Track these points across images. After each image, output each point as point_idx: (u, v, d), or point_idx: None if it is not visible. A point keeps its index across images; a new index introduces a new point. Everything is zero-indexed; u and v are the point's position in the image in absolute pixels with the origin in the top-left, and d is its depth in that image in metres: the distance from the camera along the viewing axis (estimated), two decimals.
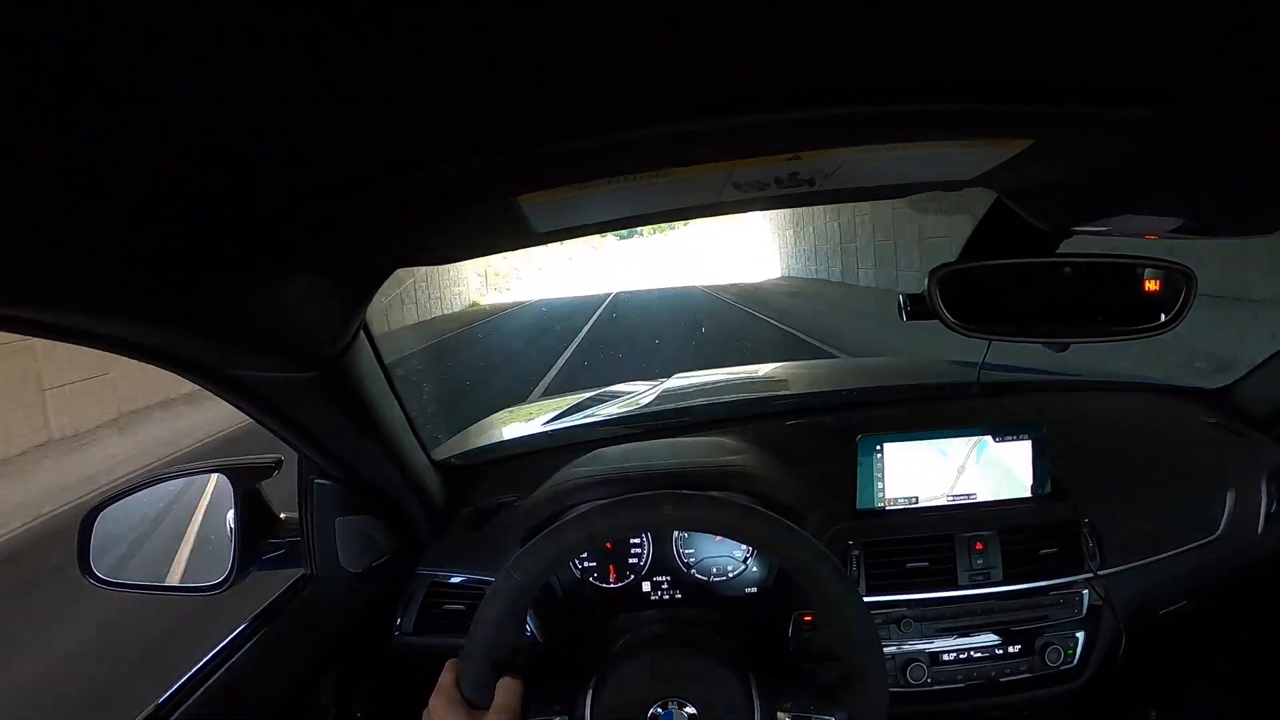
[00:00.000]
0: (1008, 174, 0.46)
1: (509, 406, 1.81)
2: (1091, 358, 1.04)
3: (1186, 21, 0.28)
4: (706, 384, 1.67)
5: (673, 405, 1.35)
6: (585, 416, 1.39)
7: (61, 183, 0.29)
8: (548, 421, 1.40)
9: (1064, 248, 0.77)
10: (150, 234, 0.35)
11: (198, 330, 0.48)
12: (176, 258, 0.38)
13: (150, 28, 0.20)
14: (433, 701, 0.64)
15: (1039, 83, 0.32)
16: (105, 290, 0.38)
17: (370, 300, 0.65)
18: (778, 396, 1.37)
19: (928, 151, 0.39)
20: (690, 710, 0.65)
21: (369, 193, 0.34)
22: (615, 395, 1.58)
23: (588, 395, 1.65)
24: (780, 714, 0.65)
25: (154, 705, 0.69)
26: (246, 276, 0.44)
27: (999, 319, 0.78)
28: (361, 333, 0.72)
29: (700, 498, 0.66)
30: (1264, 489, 1.06)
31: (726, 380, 1.76)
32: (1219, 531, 1.02)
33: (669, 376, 1.67)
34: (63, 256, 0.34)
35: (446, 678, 0.65)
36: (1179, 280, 0.76)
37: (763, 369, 1.84)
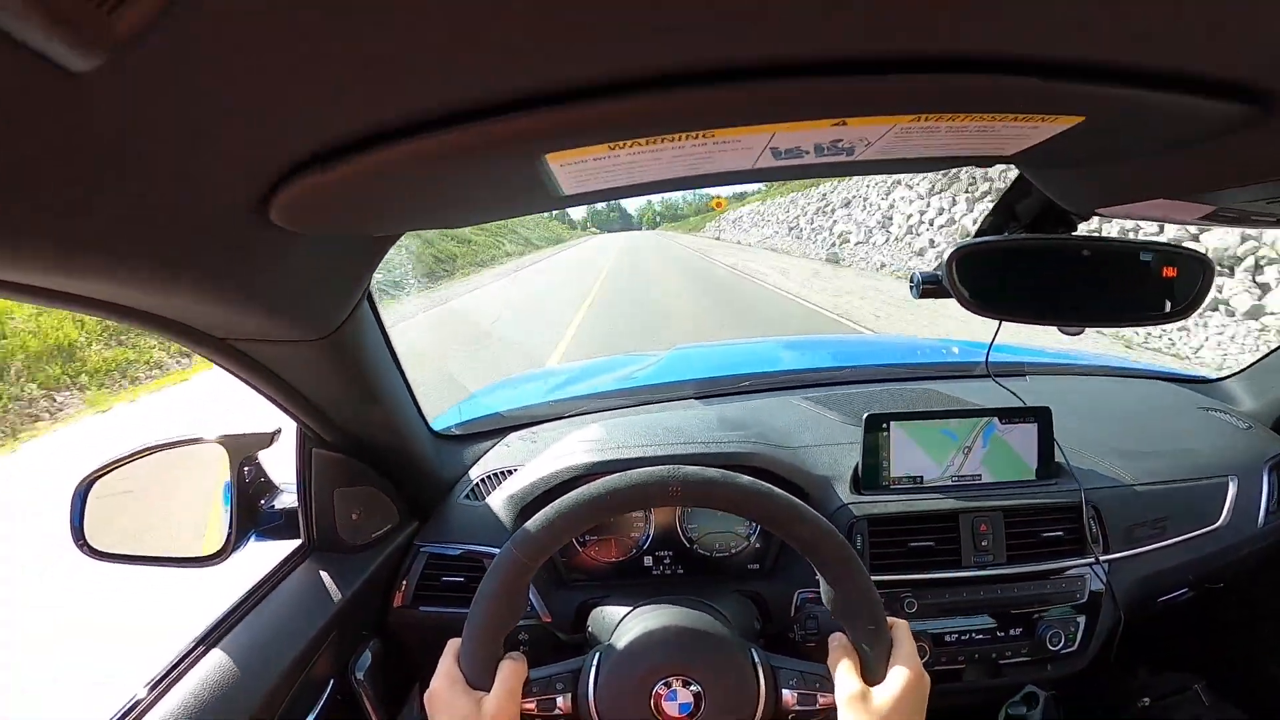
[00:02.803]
0: (1049, 152, 0.45)
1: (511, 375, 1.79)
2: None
3: (1242, 19, 0.27)
4: (709, 357, 1.66)
5: (675, 378, 1.33)
6: (587, 387, 1.37)
7: (66, 152, 0.28)
8: (549, 391, 1.38)
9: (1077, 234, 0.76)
10: (151, 199, 0.33)
11: (203, 298, 0.46)
12: (179, 223, 0.36)
13: None
14: (434, 684, 0.62)
15: (1096, 63, 0.31)
16: (105, 257, 0.36)
17: (376, 267, 0.63)
18: (783, 371, 1.36)
19: (977, 124, 0.38)
20: (695, 688, 0.64)
21: (385, 151, 0.32)
22: (618, 365, 1.57)
23: (590, 364, 1.64)
24: (785, 692, 0.64)
25: (153, 678, 0.68)
26: (253, 241, 0.42)
27: (1015, 300, 0.77)
28: (365, 300, 0.70)
29: (705, 473, 0.65)
30: (1265, 480, 1.06)
31: (730, 354, 1.75)
32: (1220, 521, 1.02)
33: (674, 348, 1.66)
34: (65, 225, 0.33)
35: (448, 658, 0.64)
36: (1196, 268, 0.75)
37: (769, 343, 1.82)
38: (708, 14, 0.25)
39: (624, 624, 0.74)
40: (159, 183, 0.32)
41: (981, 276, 0.75)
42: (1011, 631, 0.93)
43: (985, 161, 0.50)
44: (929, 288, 0.83)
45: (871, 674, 0.62)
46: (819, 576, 0.65)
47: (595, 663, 0.67)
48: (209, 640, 0.74)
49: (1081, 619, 0.94)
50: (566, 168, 0.37)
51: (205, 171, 0.33)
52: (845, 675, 0.62)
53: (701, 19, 0.25)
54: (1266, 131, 0.38)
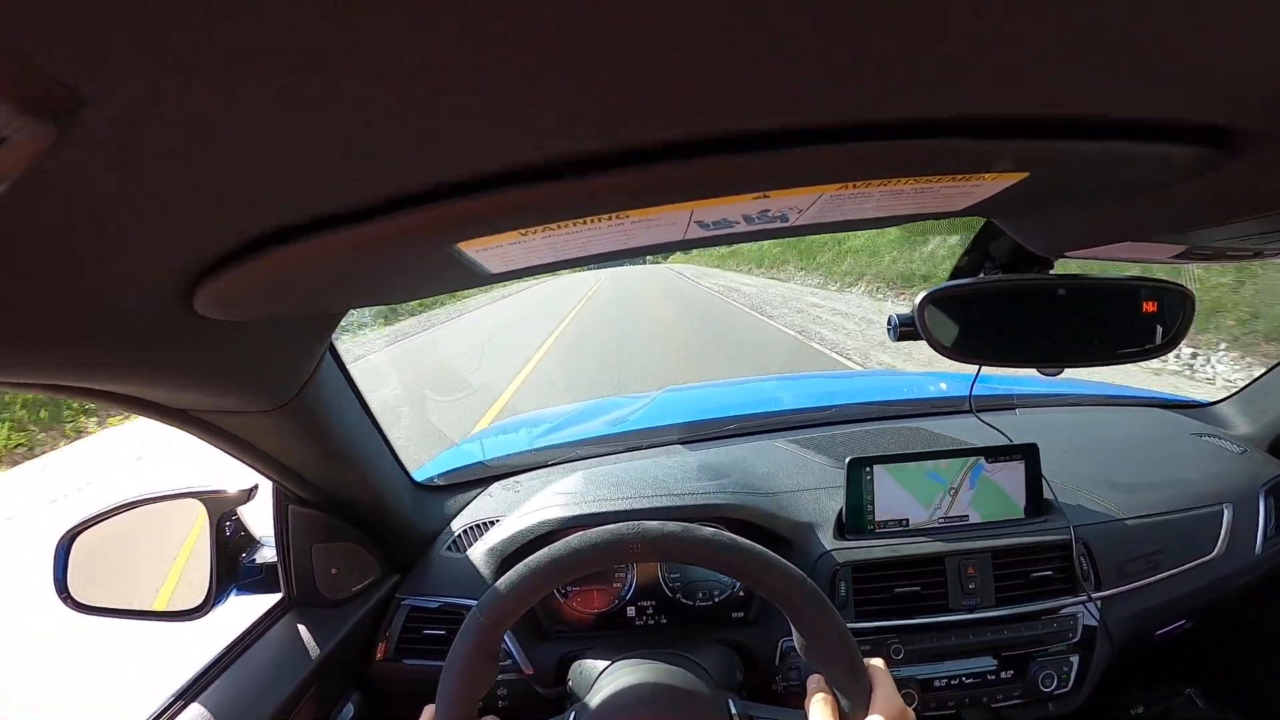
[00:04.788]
0: (1001, 205, 0.44)
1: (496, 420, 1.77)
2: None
3: (1188, 57, 0.26)
4: (697, 398, 1.65)
5: (662, 421, 1.33)
6: (574, 433, 1.37)
7: (20, 250, 0.28)
8: (535, 438, 1.38)
9: (1057, 267, 0.76)
10: (69, 301, 0.33)
11: (148, 379, 0.46)
12: (102, 321, 0.36)
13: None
14: None
15: (1034, 118, 0.30)
16: (34, 353, 0.36)
17: (329, 338, 0.64)
18: (768, 413, 1.35)
19: (911, 187, 0.36)
20: None
21: (296, 246, 0.32)
22: (608, 408, 1.56)
23: (577, 409, 1.64)
24: None
25: None
26: (183, 331, 0.42)
27: (991, 342, 0.76)
28: (329, 359, 0.70)
29: (666, 528, 0.64)
30: (1261, 505, 1.04)
31: (717, 395, 1.74)
32: (1216, 551, 1.00)
33: (665, 389, 1.65)
34: (20, 319, 0.33)
35: None
36: (1177, 301, 0.74)
37: (754, 383, 1.82)
38: (605, 99, 0.24)
39: (600, 680, 0.73)
40: (75, 287, 0.32)
41: (955, 320, 0.74)
42: (1003, 674, 0.91)
43: (937, 217, 0.49)
44: (906, 330, 0.82)
45: (850, 718, 0.61)
46: (791, 624, 0.64)
47: (573, 718, 0.66)
48: (188, 694, 0.73)
49: (1075, 658, 0.92)
50: (483, 253, 0.36)
51: (119, 276, 0.33)
52: None
53: (599, 104, 0.24)
54: (1230, 172, 0.36)
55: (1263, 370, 1.29)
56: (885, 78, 0.25)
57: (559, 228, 0.33)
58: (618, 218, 0.34)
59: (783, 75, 0.24)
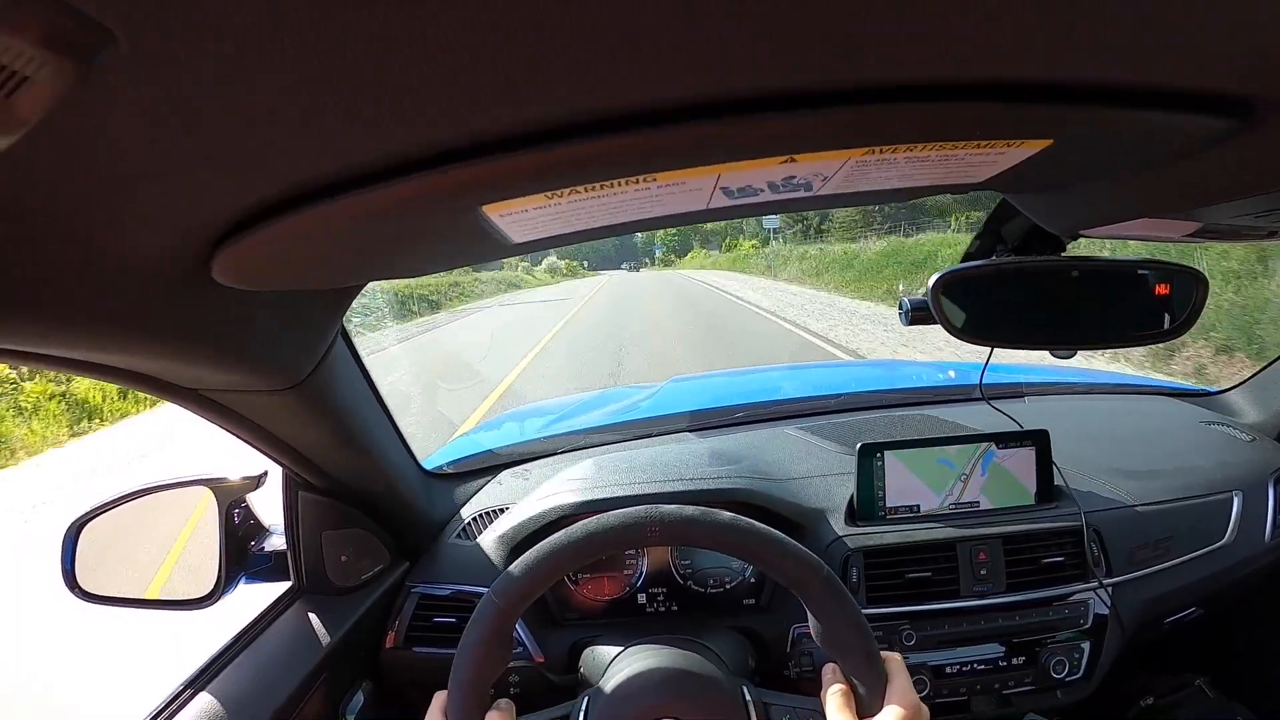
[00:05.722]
0: (1021, 176, 0.43)
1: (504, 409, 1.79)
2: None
3: (1214, 24, 0.26)
4: (705, 388, 1.65)
5: (670, 410, 1.33)
6: (583, 421, 1.36)
7: (34, 204, 0.28)
8: (544, 426, 1.38)
9: (1070, 250, 0.76)
10: (84, 263, 0.33)
11: (163, 352, 0.46)
12: (116, 286, 0.36)
13: None
14: None
15: (1061, 83, 0.30)
16: (43, 320, 0.36)
17: (343, 314, 0.63)
18: (777, 401, 1.35)
19: (938, 153, 0.36)
20: None
21: (317, 209, 0.31)
22: (613, 398, 1.56)
23: (585, 398, 1.64)
24: None
25: None
26: (199, 300, 0.42)
27: (1003, 324, 0.76)
28: (340, 341, 0.69)
29: (683, 512, 0.64)
30: (1271, 493, 1.04)
31: (725, 384, 1.74)
32: (1226, 538, 1.00)
33: (671, 379, 1.65)
34: (27, 288, 0.32)
35: (434, 711, 0.63)
36: (1189, 283, 0.74)
37: (762, 372, 1.82)
38: (632, 54, 0.24)
39: (613, 666, 0.73)
40: (90, 248, 0.32)
41: (967, 302, 0.74)
42: (1014, 660, 0.91)
43: (957, 189, 0.49)
44: (919, 314, 0.82)
45: (866, 708, 0.60)
46: (808, 611, 0.64)
47: (584, 707, 0.65)
48: (198, 683, 0.73)
49: (1086, 645, 0.92)
50: (507, 218, 0.36)
51: (136, 236, 0.33)
52: (838, 710, 0.60)
53: (626, 60, 0.24)
54: (1246, 144, 0.36)
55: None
56: (914, 39, 0.25)
57: (585, 190, 0.33)
58: (644, 181, 0.33)
59: (813, 35, 0.24)
